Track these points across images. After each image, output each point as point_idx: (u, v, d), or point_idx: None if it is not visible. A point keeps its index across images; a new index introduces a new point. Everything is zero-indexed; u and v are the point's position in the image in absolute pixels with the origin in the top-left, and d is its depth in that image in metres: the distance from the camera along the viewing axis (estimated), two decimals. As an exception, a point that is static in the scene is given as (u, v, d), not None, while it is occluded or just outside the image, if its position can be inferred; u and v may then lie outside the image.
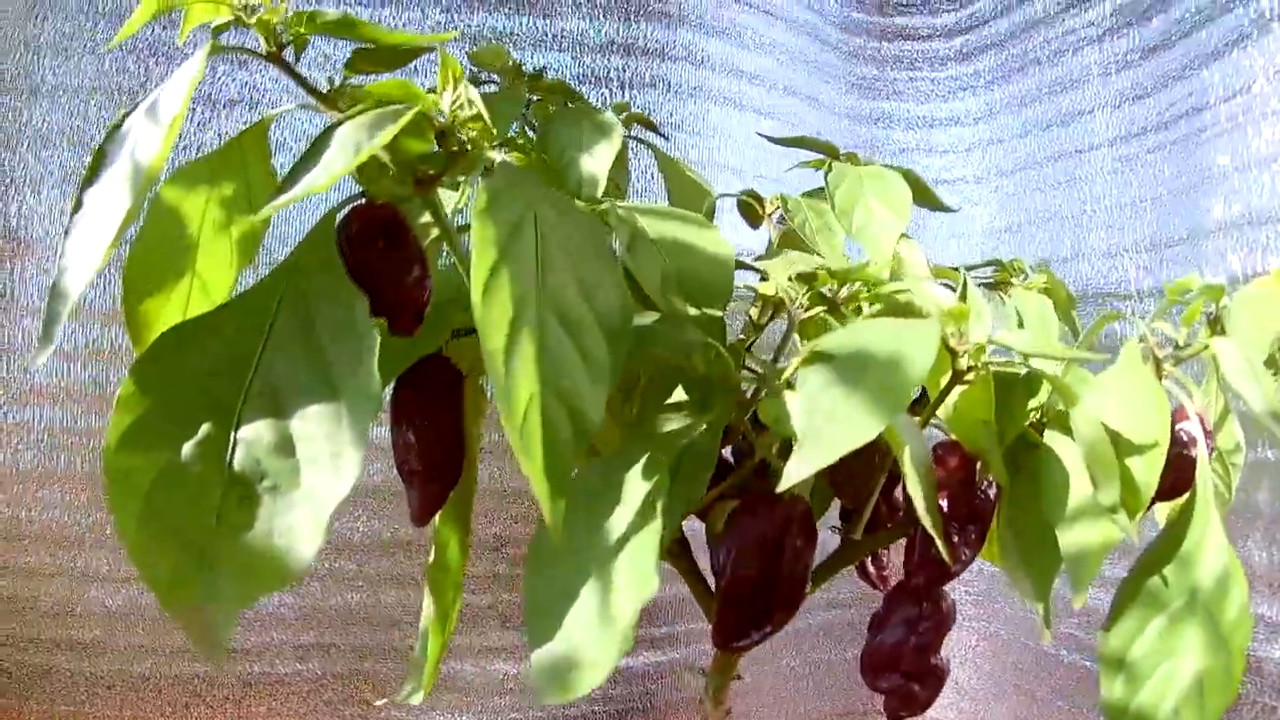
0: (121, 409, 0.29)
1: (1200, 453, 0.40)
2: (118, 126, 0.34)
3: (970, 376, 0.37)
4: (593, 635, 0.29)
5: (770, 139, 0.52)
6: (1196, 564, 0.38)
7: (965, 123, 0.75)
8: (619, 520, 0.30)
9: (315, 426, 0.29)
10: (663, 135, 0.50)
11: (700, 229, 0.38)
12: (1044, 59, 0.69)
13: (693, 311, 0.35)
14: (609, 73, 0.62)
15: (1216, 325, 0.42)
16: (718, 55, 0.67)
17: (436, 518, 0.41)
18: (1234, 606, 0.38)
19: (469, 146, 0.34)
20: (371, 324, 0.31)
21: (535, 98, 0.51)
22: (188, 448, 0.28)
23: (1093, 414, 0.36)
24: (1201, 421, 0.41)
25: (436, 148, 0.34)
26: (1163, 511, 0.44)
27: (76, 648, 0.60)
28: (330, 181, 0.31)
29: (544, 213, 0.31)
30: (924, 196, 0.49)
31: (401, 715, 0.64)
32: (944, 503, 0.38)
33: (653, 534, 0.29)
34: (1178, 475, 0.40)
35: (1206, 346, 0.40)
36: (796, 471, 0.29)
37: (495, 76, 0.51)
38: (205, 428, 0.29)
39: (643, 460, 0.32)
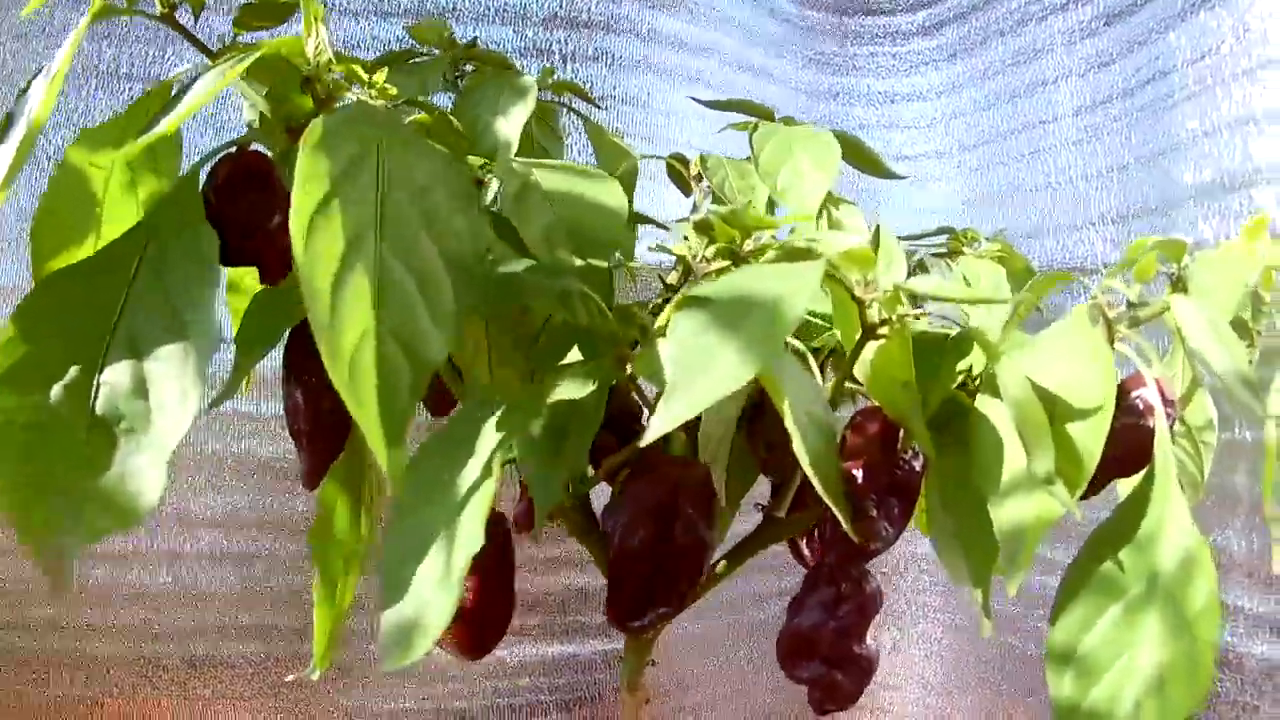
0: (0, 354, 0.28)
1: (1159, 423, 0.34)
2: (24, 91, 0.34)
3: (884, 331, 0.32)
4: (438, 594, 0.25)
5: (702, 103, 0.48)
6: (1156, 546, 0.33)
7: (927, 97, 0.70)
8: (470, 473, 0.27)
9: (166, 367, 0.28)
10: (595, 104, 0.47)
11: (596, 182, 0.34)
12: (1007, 30, 0.64)
13: (579, 263, 0.32)
14: (550, 45, 0.59)
15: (1178, 285, 0.37)
16: (665, 29, 0.63)
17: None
18: (1200, 593, 0.32)
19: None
20: (218, 268, 0.30)
21: (471, 68, 0.48)
22: (56, 390, 0.28)
23: (1020, 370, 0.31)
24: (1160, 389, 0.35)
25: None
26: (1127, 490, 0.39)
27: (30, 627, 0.58)
28: (179, 120, 0.30)
29: (391, 149, 0.28)
30: (862, 159, 0.45)
31: (345, 699, 0.61)
32: (859, 473, 0.33)
33: (489, 489, 0.25)
34: (1133, 447, 0.35)
35: (1166, 307, 0.35)
36: (660, 424, 0.25)
37: (436, 50, 0.49)
38: (73, 371, 0.28)
39: (499, 412, 0.28)
